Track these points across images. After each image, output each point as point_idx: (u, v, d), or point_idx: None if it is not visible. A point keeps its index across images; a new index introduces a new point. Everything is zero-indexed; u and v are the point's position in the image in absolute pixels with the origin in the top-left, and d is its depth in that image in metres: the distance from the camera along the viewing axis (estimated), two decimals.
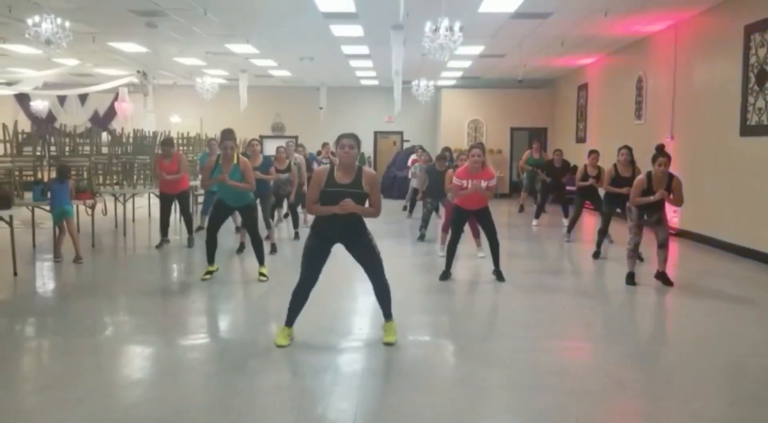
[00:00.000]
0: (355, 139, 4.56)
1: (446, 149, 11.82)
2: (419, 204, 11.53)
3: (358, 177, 4.55)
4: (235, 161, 6.65)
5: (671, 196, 6.52)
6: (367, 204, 4.57)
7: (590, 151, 9.56)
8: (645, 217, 6.75)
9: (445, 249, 7.22)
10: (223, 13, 10.47)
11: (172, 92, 19.97)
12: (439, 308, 6.03)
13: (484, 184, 6.66)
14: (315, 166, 12.14)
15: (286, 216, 11.75)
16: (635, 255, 6.88)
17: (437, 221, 11.05)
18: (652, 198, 6.47)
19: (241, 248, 8.51)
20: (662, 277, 6.73)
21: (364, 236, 4.64)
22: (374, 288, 4.76)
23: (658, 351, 4.94)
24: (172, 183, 8.79)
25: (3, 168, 8.56)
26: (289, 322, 4.69)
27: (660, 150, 6.49)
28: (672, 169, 6.60)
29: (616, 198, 8.14)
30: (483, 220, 6.98)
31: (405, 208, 13.70)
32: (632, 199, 6.69)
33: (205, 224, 9.74)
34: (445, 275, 6.96)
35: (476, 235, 8.27)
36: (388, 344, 4.67)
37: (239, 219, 8.64)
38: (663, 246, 6.65)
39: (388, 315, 4.80)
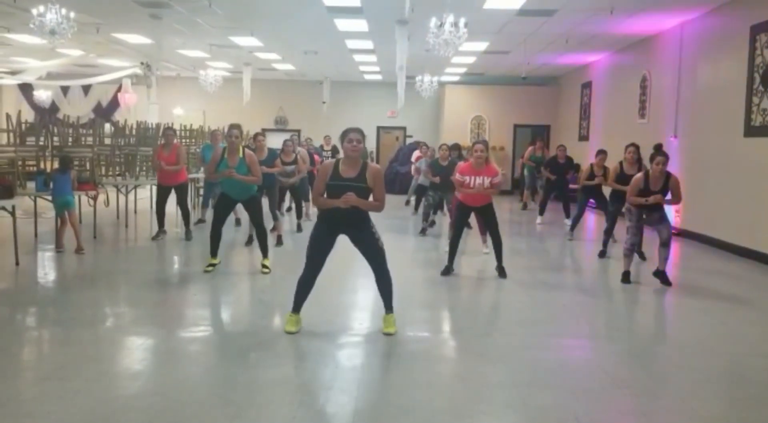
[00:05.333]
0: (361, 134, 4.67)
1: (455, 146, 11.72)
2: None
3: (363, 171, 4.63)
4: (241, 155, 6.65)
5: (666, 199, 6.51)
6: (371, 198, 4.61)
7: (598, 151, 9.55)
8: (645, 217, 6.74)
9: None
10: (227, 5, 10.44)
11: (175, 84, 19.96)
12: (440, 303, 6.04)
13: (487, 181, 6.65)
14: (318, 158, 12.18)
15: (289, 209, 11.76)
16: (632, 254, 6.87)
17: (443, 218, 11.05)
18: (645, 201, 6.46)
19: (250, 240, 8.50)
20: (661, 275, 6.70)
21: (369, 228, 4.70)
22: (377, 279, 4.82)
23: (658, 350, 4.94)
24: (170, 175, 8.74)
25: (6, 158, 8.57)
26: (296, 308, 4.79)
27: (658, 149, 6.50)
28: (675, 169, 6.60)
29: (621, 196, 8.14)
30: (486, 217, 7.00)
31: (408, 202, 13.68)
32: (629, 197, 6.69)
33: (206, 217, 9.82)
34: (447, 270, 6.96)
35: (483, 232, 8.27)
36: (387, 334, 4.73)
37: (240, 212, 8.64)
38: (666, 244, 6.62)
39: (388, 307, 4.85)
